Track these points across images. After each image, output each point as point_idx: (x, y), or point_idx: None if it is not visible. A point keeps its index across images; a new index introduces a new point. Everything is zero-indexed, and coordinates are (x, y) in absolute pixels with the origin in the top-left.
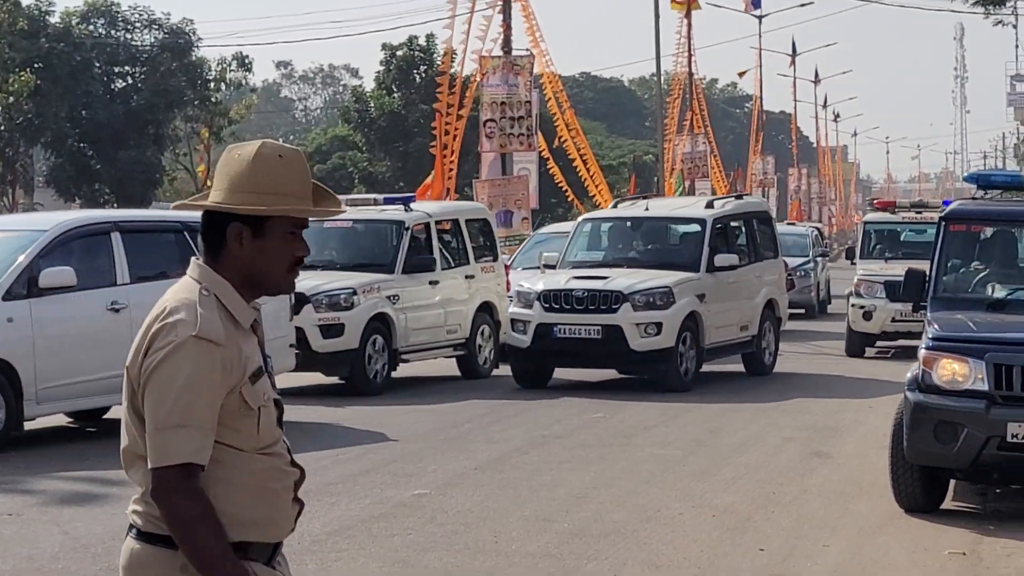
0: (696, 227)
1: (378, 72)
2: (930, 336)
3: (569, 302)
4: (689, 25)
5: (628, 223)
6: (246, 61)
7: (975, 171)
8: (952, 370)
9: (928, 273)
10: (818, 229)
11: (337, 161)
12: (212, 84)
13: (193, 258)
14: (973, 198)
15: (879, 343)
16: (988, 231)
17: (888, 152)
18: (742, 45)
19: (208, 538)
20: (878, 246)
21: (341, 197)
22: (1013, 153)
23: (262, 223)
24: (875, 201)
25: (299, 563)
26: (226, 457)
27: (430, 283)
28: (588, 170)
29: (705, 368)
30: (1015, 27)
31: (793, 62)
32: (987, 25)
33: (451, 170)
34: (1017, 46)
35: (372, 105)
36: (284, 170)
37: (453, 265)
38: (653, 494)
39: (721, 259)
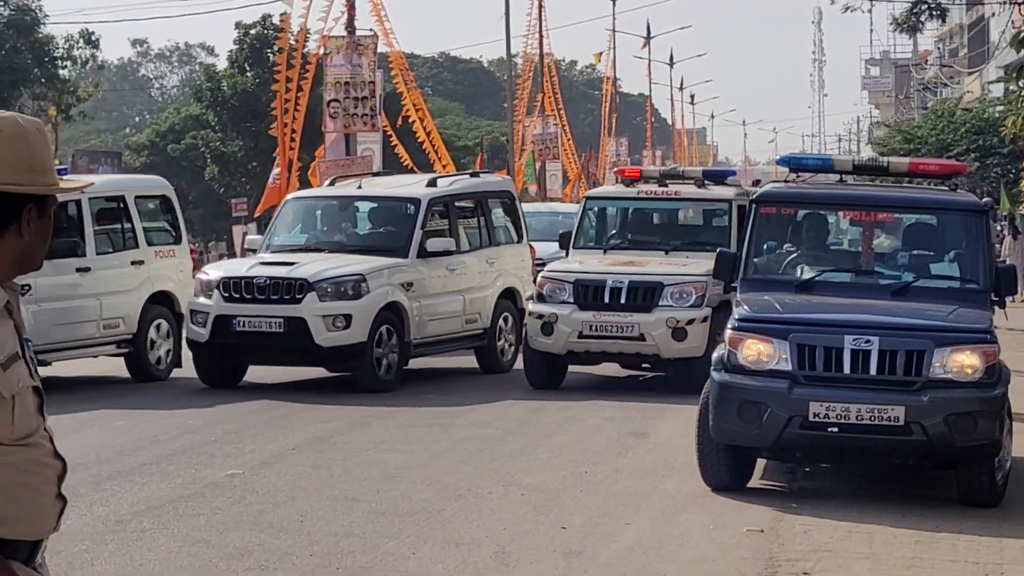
0: (411, 208)
1: (231, 51)
2: (736, 317)
3: (250, 291)
4: (540, 5)
5: (337, 203)
6: (93, 38)
7: (787, 154)
8: (757, 350)
9: (738, 255)
10: None
11: (190, 141)
12: (59, 62)
13: None
14: (785, 181)
15: (578, 367)
16: (799, 213)
17: (746, 135)
18: (601, 27)
19: None
20: (611, 232)
21: None
22: (867, 137)
23: (45, 202)
24: (617, 170)
25: (99, 543)
26: None
27: (78, 270)
28: (435, 150)
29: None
30: (870, 12)
31: (647, 43)
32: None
33: (292, 149)
34: (872, 30)
35: (225, 84)
36: (45, 145)
37: (116, 249)
38: (465, 473)
39: (435, 243)
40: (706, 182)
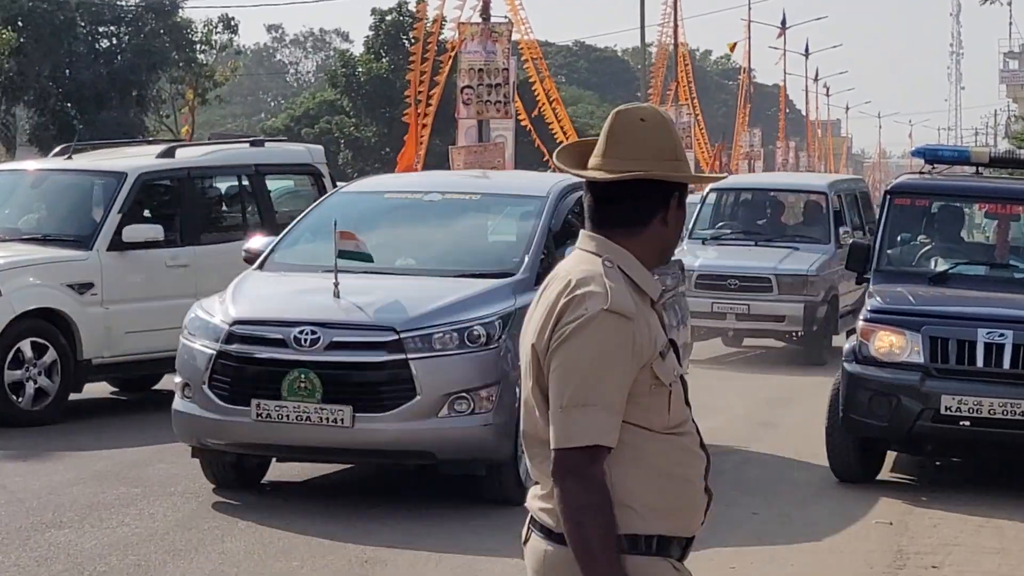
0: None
1: (367, 37)
2: (869, 308)
3: None
4: None
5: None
6: (231, 23)
7: (922, 145)
8: (889, 342)
9: (872, 246)
10: None
11: (324, 126)
12: (197, 46)
13: (583, 231)
14: (920, 172)
15: None
16: (934, 205)
17: (880, 127)
18: (736, 16)
19: (594, 530)
20: None
21: None
22: (1004, 131)
23: (683, 192)
24: None
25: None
26: (633, 438)
27: None
28: (566, 137)
29: None
30: (1010, 4)
31: (783, 34)
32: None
33: (422, 137)
34: (1011, 23)
35: (360, 70)
36: (678, 134)
37: None
38: None
39: (131, 231)
40: None
